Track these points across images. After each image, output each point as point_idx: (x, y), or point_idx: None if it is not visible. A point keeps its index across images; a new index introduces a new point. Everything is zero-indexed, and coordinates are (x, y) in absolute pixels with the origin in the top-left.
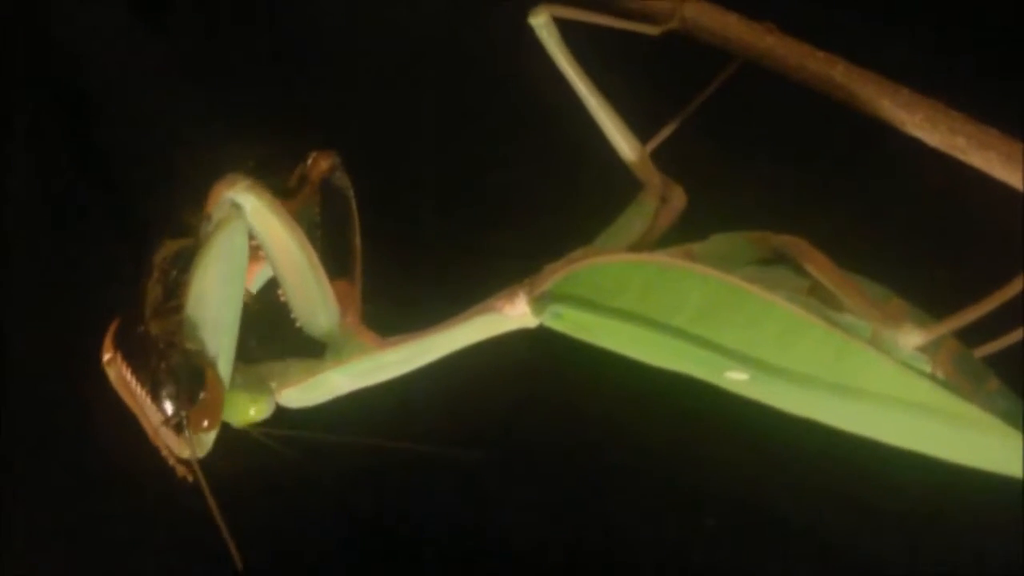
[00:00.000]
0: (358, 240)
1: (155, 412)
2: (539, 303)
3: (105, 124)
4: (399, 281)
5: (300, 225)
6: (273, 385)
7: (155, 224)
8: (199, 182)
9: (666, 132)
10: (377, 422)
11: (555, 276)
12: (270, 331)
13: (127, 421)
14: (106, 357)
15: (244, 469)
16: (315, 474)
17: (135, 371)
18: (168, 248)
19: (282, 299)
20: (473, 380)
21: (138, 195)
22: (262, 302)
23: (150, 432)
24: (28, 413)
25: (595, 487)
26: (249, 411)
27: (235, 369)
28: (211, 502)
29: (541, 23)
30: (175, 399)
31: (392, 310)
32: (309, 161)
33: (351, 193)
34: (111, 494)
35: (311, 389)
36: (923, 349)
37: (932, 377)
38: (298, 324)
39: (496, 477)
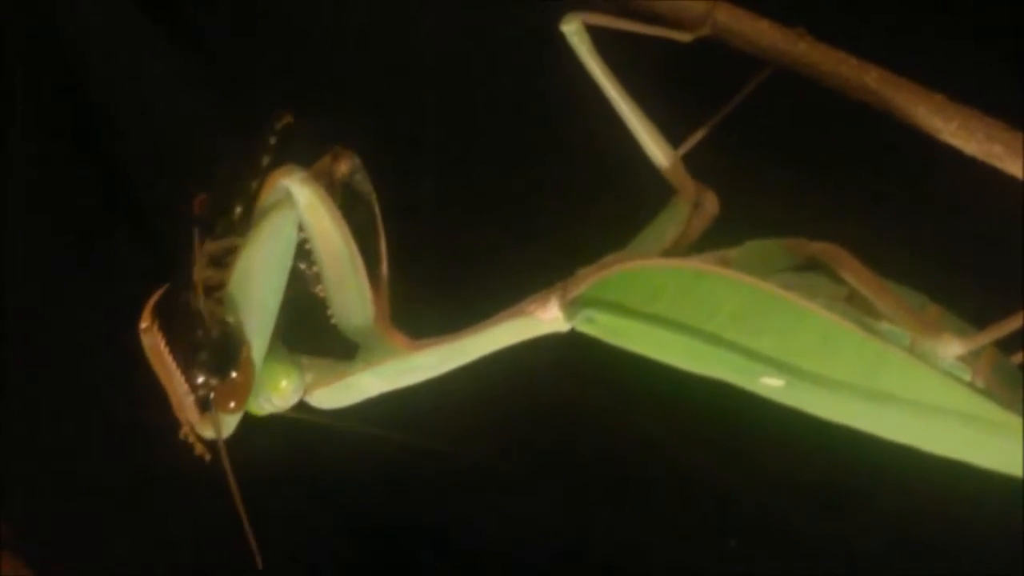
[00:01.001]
0: (383, 243)
1: (184, 384)
2: (572, 307)
3: (111, 125)
4: (431, 284)
5: None
6: (308, 377)
7: (163, 227)
8: (206, 185)
9: (698, 136)
10: (394, 425)
11: (588, 281)
12: (305, 326)
13: (127, 426)
14: (143, 325)
15: (249, 469)
16: (325, 477)
17: (170, 344)
18: (220, 232)
19: (321, 295)
20: (499, 384)
21: (145, 196)
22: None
23: (175, 406)
24: (28, 416)
25: (622, 495)
26: (281, 382)
27: (275, 347)
28: (232, 483)
29: (573, 30)
30: (207, 370)
31: (424, 313)
32: (329, 159)
33: (373, 197)
34: (108, 500)
35: (342, 390)
36: (962, 358)
37: (971, 385)
38: (333, 321)
39: (520, 482)
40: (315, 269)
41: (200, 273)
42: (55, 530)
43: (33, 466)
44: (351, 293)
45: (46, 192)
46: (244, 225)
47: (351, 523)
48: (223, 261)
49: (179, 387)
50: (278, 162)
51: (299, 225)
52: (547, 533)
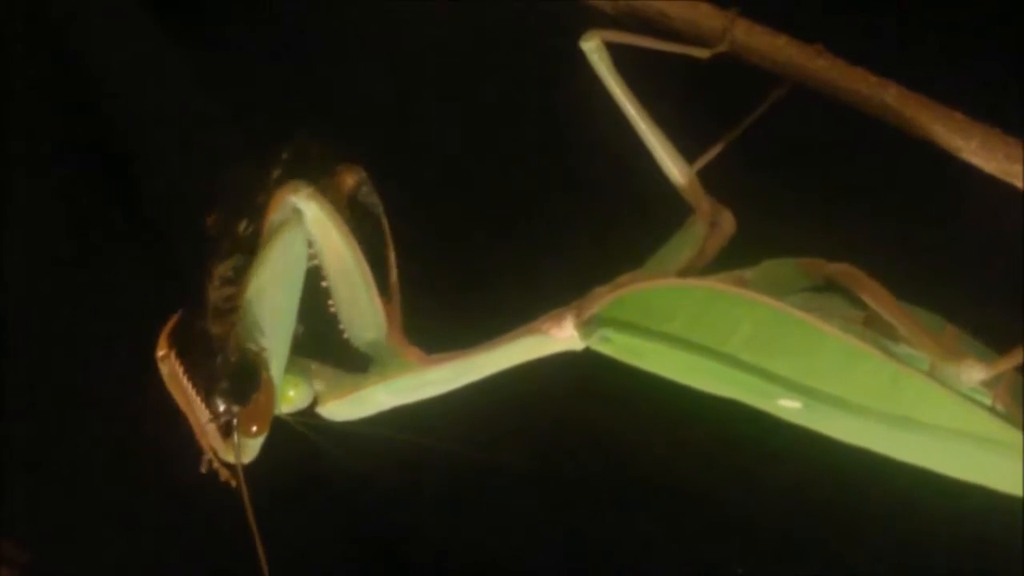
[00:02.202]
0: (392, 257)
1: (205, 411)
2: (587, 326)
3: (113, 125)
4: (445, 300)
5: None
6: (317, 384)
7: (171, 233)
8: (214, 191)
9: (713, 153)
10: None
11: (603, 300)
12: (319, 337)
13: (128, 430)
14: (160, 353)
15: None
16: (332, 488)
17: (188, 370)
18: (229, 250)
19: (332, 310)
20: (510, 399)
21: (154, 203)
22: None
23: (198, 433)
24: (29, 419)
25: (633, 514)
26: (288, 392)
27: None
28: (248, 509)
29: (592, 47)
30: (227, 397)
31: (438, 329)
32: (335, 175)
33: (380, 210)
34: (106, 507)
35: (354, 403)
36: (983, 382)
37: (991, 409)
38: (345, 335)
39: (526, 498)
40: (325, 283)
41: (214, 294)
42: (55, 536)
43: (33, 474)
44: (363, 307)
45: (47, 193)
46: (253, 243)
47: (352, 531)
48: (235, 280)
49: (200, 414)
50: (287, 177)
51: (308, 241)
52: (554, 547)
